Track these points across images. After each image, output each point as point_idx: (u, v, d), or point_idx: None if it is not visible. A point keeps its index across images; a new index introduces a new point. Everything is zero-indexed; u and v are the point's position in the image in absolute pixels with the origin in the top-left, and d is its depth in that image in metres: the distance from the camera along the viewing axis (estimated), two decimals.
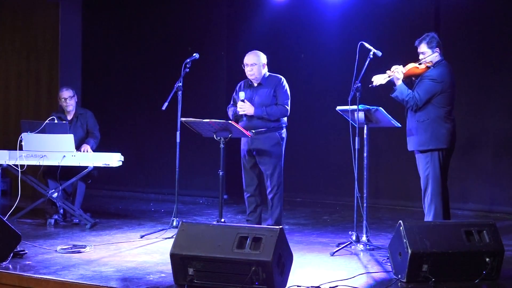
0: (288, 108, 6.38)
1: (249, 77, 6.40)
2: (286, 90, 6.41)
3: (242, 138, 6.40)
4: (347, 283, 4.57)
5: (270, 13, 8.98)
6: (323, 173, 9.01)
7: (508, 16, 7.78)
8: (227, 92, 9.11)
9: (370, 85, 5.76)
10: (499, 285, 4.66)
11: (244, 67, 6.40)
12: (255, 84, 6.43)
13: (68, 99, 7.29)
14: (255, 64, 6.34)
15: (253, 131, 6.30)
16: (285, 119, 6.45)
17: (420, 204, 5.94)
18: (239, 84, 6.58)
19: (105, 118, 8.34)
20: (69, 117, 7.34)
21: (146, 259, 5.34)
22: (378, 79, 5.78)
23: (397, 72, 5.72)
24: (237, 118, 6.43)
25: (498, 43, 7.87)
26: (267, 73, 6.45)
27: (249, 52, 6.45)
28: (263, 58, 6.41)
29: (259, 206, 6.45)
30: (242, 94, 6.33)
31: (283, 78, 6.43)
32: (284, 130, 6.44)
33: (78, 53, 10.03)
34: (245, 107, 6.29)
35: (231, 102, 6.58)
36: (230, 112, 6.52)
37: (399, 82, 5.74)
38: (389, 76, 5.76)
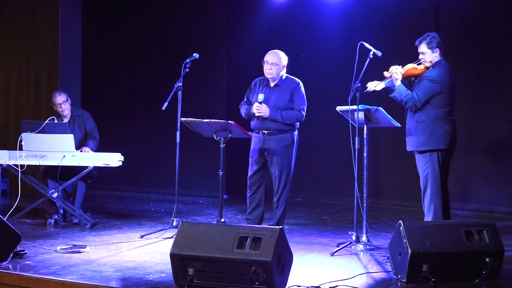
0: (304, 113, 6.33)
1: (267, 75, 6.33)
2: (304, 95, 6.36)
3: (253, 138, 6.37)
4: (347, 283, 4.57)
5: (270, 13, 8.98)
6: (323, 173, 9.01)
7: (508, 16, 7.78)
8: (227, 92, 9.13)
9: (364, 91, 5.77)
10: (499, 285, 4.66)
11: (263, 63, 6.33)
12: (272, 84, 6.37)
13: (63, 104, 7.17)
14: (276, 64, 6.28)
15: (265, 132, 6.28)
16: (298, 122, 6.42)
17: (420, 204, 5.94)
18: (254, 82, 6.50)
19: (105, 118, 8.35)
20: (66, 120, 7.21)
21: (146, 259, 5.34)
22: (372, 85, 5.78)
23: (396, 72, 5.72)
24: (250, 116, 6.39)
25: (498, 43, 7.86)
26: (285, 75, 6.40)
27: (271, 51, 6.36)
28: (284, 59, 6.34)
29: (260, 206, 6.42)
30: (261, 96, 6.24)
31: (301, 83, 6.38)
32: (296, 132, 6.38)
33: (78, 53, 10.02)
34: (261, 109, 6.23)
35: (245, 99, 6.51)
36: (243, 110, 6.46)
37: (397, 83, 5.74)
38: (387, 78, 5.76)
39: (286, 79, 6.38)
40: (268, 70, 6.29)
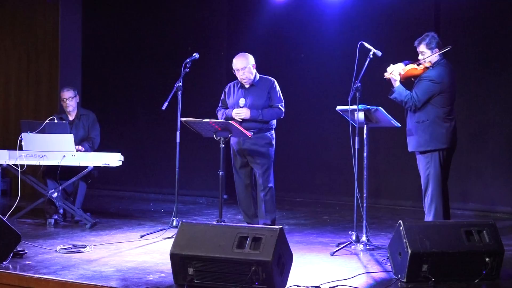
0: (283, 109, 6.38)
1: (242, 81, 6.38)
2: (280, 92, 6.43)
3: (232, 138, 6.38)
4: (347, 283, 4.57)
5: (270, 13, 8.98)
6: (323, 173, 9.01)
7: (508, 16, 7.78)
8: None
9: (384, 77, 5.78)
10: (499, 285, 4.66)
11: (234, 72, 6.37)
12: (247, 86, 6.41)
13: (69, 100, 7.26)
14: (246, 67, 6.31)
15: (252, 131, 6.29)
16: (274, 121, 6.45)
17: (420, 204, 5.94)
18: (228, 86, 6.55)
19: (105, 118, 8.34)
20: (71, 118, 7.31)
21: (146, 259, 5.34)
22: (390, 70, 5.77)
23: (394, 74, 5.74)
24: (228, 120, 6.40)
25: (498, 43, 7.86)
26: (258, 75, 6.43)
27: (236, 56, 6.40)
28: (251, 59, 6.38)
29: (253, 207, 6.49)
30: (242, 101, 6.30)
31: (275, 81, 6.44)
32: (273, 132, 6.45)
33: (78, 53, 10.03)
34: (241, 113, 6.25)
35: (220, 104, 6.56)
36: (220, 115, 6.47)
37: (397, 84, 5.75)
38: (389, 74, 5.77)
39: (260, 78, 6.43)
40: (242, 76, 6.33)
